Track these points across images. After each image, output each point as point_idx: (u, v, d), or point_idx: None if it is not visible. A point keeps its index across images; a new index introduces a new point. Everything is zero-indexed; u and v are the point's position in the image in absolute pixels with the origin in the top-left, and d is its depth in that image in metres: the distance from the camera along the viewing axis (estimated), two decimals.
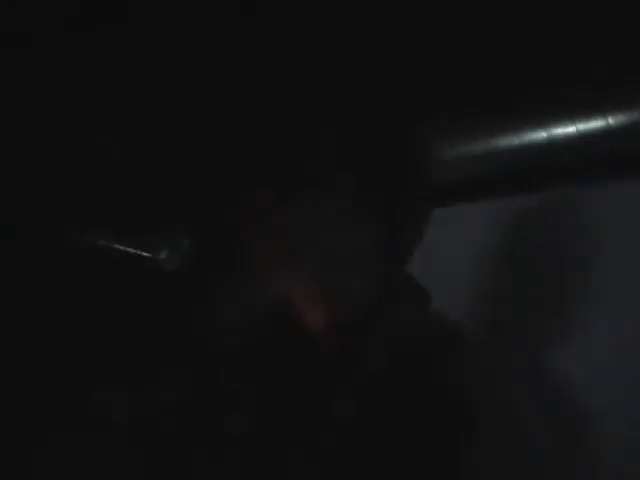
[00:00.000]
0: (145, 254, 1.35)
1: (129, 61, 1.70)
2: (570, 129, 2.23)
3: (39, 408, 1.58)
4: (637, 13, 1.83)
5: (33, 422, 1.55)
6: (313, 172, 1.19)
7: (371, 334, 1.18)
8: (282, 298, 1.20)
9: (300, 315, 1.20)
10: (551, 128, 2.21)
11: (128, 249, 1.34)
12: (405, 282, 1.27)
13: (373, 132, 1.22)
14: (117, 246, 1.34)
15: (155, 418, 1.37)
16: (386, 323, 1.20)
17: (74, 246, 1.41)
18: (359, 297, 1.20)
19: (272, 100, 1.27)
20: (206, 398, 1.21)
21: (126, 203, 1.72)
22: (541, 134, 2.25)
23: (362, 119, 1.26)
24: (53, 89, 1.77)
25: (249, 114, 1.29)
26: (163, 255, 1.34)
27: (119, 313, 1.73)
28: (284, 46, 1.77)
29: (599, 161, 2.27)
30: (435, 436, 1.14)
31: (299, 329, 1.20)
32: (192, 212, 1.72)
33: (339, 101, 1.24)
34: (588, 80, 2.09)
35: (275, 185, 1.17)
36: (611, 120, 2.15)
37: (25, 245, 1.43)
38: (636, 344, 2.06)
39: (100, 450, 1.42)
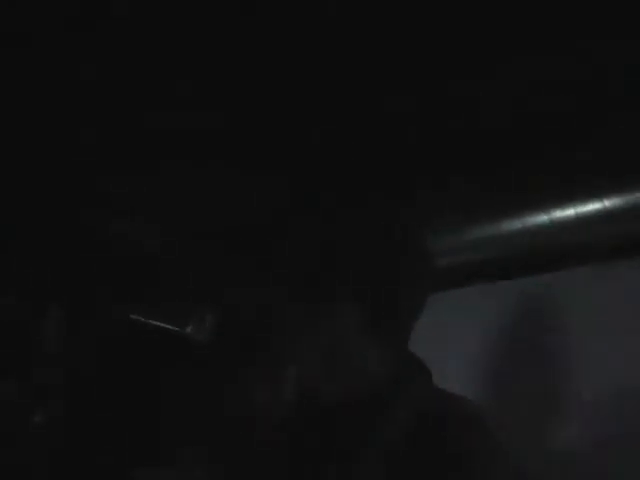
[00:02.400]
0: (173, 328, 1.39)
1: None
2: (569, 212, 2.25)
3: None
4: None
5: None
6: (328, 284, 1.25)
7: (384, 410, 1.23)
8: (303, 377, 1.26)
9: (315, 393, 1.26)
10: (551, 211, 2.23)
11: (158, 323, 1.38)
12: (409, 361, 1.33)
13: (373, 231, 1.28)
14: (147, 320, 1.38)
15: None
16: (398, 400, 1.25)
17: (109, 322, 1.46)
18: (361, 376, 1.27)
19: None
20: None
21: (157, 281, 1.80)
22: (542, 217, 2.27)
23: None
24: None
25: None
26: (189, 329, 1.39)
27: (153, 392, 1.80)
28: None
29: (596, 241, 2.28)
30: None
31: (316, 405, 1.26)
32: (221, 291, 1.79)
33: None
34: (587, 166, 2.12)
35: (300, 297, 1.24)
36: (607, 203, 2.18)
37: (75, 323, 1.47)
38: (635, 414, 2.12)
39: None
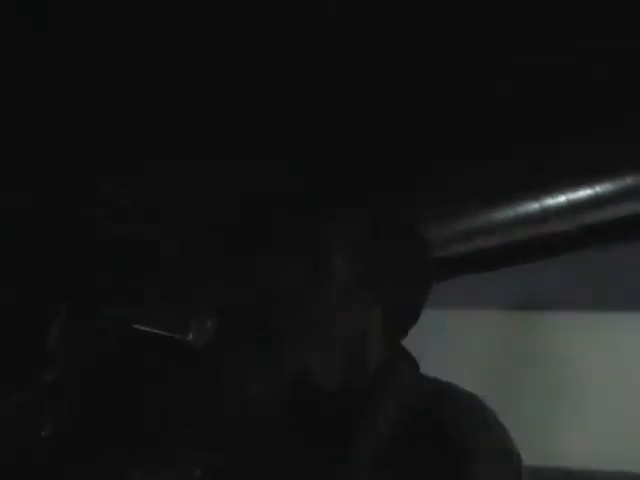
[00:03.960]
0: (175, 335, 1.40)
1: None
2: (560, 199, 2.26)
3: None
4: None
5: None
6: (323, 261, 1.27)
7: (375, 396, 1.25)
8: (302, 367, 1.27)
9: (314, 379, 1.27)
10: (543, 199, 2.24)
11: (159, 331, 1.39)
12: (400, 352, 1.35)
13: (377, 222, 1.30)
14: (149, 329, 1.38)
15: None
16: (387, 387, 1.26)
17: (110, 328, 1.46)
18: (364, 365, 1.29)
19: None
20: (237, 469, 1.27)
21: (158, 286, 1.81)
22: (533, 205, 2.27)
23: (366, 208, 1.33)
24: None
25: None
26: (190, 336, 1.40)
27: (152, 392, 1.81)
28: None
29: (589, 227, 2.29)
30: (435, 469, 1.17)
31: (313, 393, 1.28)
32: (222, 289, 1.79)
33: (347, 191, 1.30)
34: (578, 154, 2.12)
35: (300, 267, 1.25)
36: (598, 189, 2.18)
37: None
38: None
39: None
